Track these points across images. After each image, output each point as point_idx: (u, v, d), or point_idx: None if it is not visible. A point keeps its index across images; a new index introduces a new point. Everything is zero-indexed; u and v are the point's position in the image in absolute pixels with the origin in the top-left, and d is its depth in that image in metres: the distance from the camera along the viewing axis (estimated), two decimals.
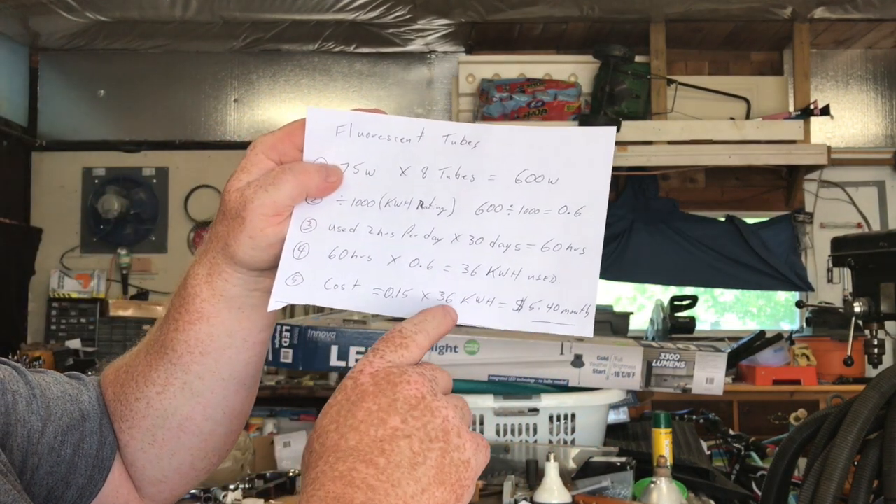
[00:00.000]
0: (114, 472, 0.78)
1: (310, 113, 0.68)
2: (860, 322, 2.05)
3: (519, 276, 0.65)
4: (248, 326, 0.74)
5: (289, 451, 2.08)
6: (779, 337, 4.38)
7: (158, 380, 0.75)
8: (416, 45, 5.37)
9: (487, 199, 0.66)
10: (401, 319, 0.66)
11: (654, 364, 1.90)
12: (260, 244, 0.67)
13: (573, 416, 1.91)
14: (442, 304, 0.66)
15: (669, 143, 4.83)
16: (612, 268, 5.14)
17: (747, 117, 4.98)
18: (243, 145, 4.95)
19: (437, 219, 0.67)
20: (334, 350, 1.83)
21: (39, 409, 0.73)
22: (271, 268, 0.68)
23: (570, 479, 1.76)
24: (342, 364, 1.84)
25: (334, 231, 0.67)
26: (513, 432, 1.91)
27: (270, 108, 5.49)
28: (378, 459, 0.55)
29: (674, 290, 5.33)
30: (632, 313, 5.02)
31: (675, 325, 4.82)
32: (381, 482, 0.54)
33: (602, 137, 0.66)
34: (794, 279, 5.08)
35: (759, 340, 4.30)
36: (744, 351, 4.29)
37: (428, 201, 0.67)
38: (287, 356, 1.86)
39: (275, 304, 0.67)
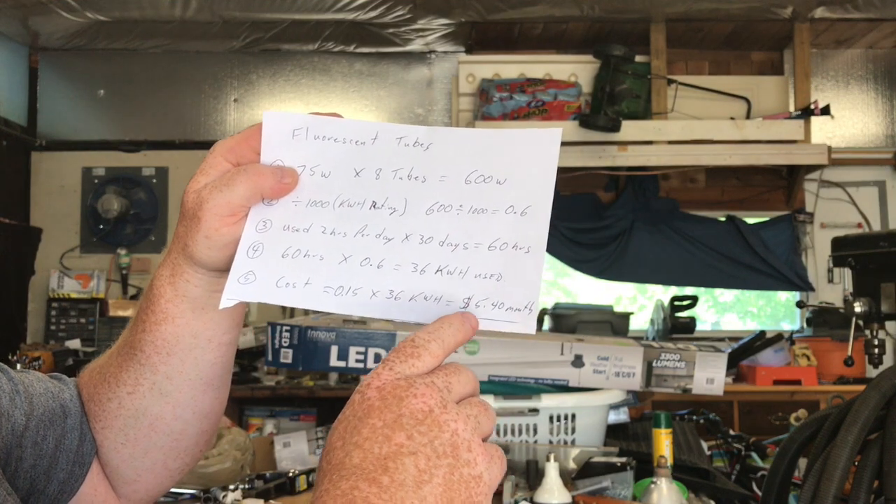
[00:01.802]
0: (93, 471, 0.79)
1: (266, 116, 0.70)
2: (861, 322, 2.04)
3: (466, 275, 0.66)
4: (212, 327, 0.75)
5: (288, 452, 2.08)
6: (779, 337, 4.37)
7: (129, 380, 0.77)
8: (416, 45, 5.37)
9: (438, 199, 0.68)
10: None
11: (654, 364, 1.89)
12: (216, 244, 0.68)
13: (573, 416, 1.91)
14: (461, 311, 0.65)
15: (670, 142, 4.83)
16: (612, 268, 5.14)
17: (748, 117, 4.98)
18: None
19: (389, 219, 0.68)
20: (334, 350, 1.83)
21: (23, 405, 0.74)
22: (230, 268, 0.69)
23: (570, 479, 1.76)
24: (342, 364, 1.83)
25: (288, 231, 0.69)
26: (513, 432, 1.90)
27: (270, 107, 5.48)
28: (381, 478, 0.53)
29: (674, 290, 5.33)
30: (632, 313, 5.03)
31: (676, 325, 4.82)
32: (383, 501, 0.53)
33: (548, 139, 0.68)
34: (795, 279, 5.08)
35: (760, 340, 4.30)
36: (744, 351, 4.28)
37: (380, 202, 0.68)
38: (287, 356, 1.86)
39: (226, 301, 0.68)
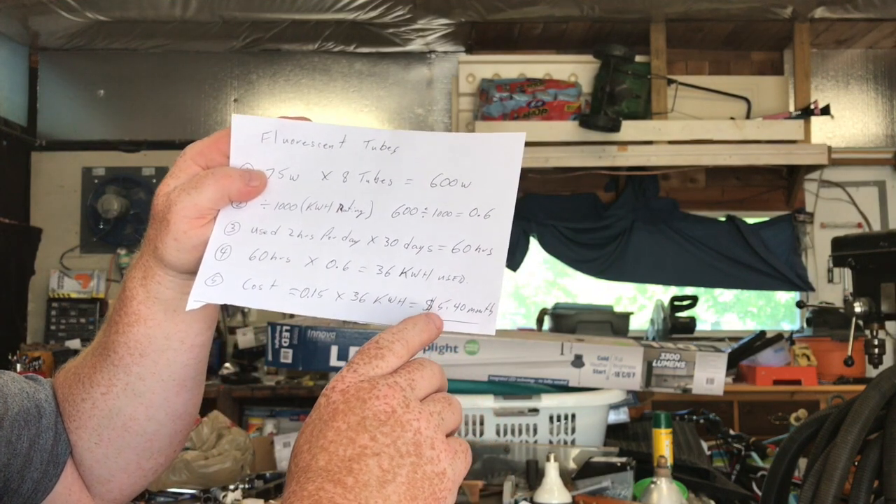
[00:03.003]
0: (67, 470, 0.80)
1: (235, 120, 0.71)
2: (861, 322, 2.04)
3: (430, 277, 0.67)
4: (184, 329, 0.75)
5: (288, 452, 2.08)
6: (779, 337, 4.38)
7: (102, 381, 0.77)
8: (416, 45, 5.37)
9: (403, 202, 0.68)
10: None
11: (654, 364, 1.89)
12: (184, 246, 0.69)
13: (573, 416, 1.91)
14: (426, 312, 0.66)
15: (670, 142, 4.83)
16: (612, 268, 5.14)
17: (748, 117, 4.98)
18: None
19: (356, 221, 0.69)
20: (334, 350, 1.84)
21: None
22: None
23: (570, 479, 1.76)
24: (342, 364, 1.83)
25: (256, 233, 0.69)
26: (513, 432, 1.90)
27: (270, 107, 5.49)
28: (346, 479, 0.55)
29: (674, 290, 5.33)
30: (632, 313, 5.03)
31: (676, 325, 4.82)
32: (348, 501, 0.54)
33: (512, 143, 0.68)
34: (795, 279, 5.08)
35: (760, 340, 4.30)
36: (744, 351, 4.29)
37: (347, 205, 0.69)
38: (287, 356, 1.86)
39: (193, 303, 0.69)
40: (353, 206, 0.69)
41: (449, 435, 0.60)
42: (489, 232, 0.67)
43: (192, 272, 0.70)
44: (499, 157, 0.68)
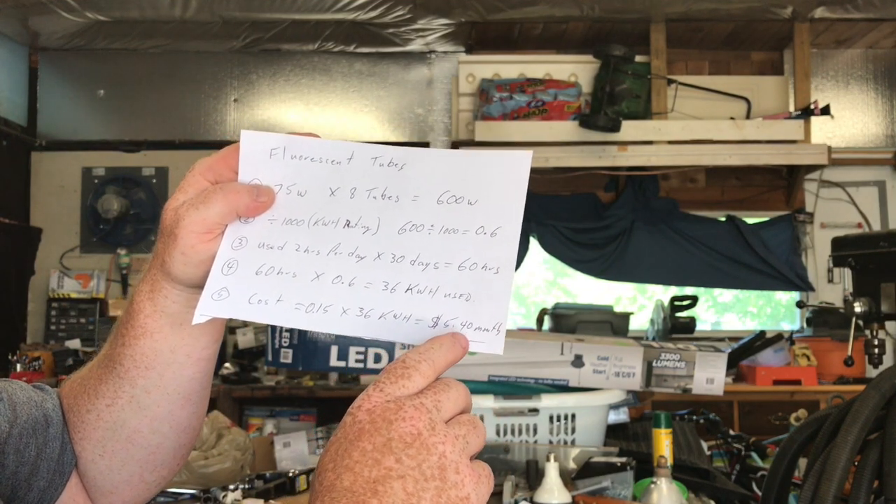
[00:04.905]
0: (72, 481, 0.80)
1: (244, 136, 0.71)
2: (861, 322, 2.04)
3: (436, 294, 0.67)
4: (190, 343, 0.76)
5: (288, 452, 2.08)
6: (779, 337, 4.37)
7: (108, 393, 0.77)
8: (416, 45, 5.37)
9: (410, 219, 0.69)
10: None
11: (654, 364, 1.89)
12: (192, 260, 0.69)
13: (573, 416, 1.91)
14: (452, 332, 0.66)
15: (670, 142, 4.83)
16: (612, 268, 5.14)
17: (747, 117, 4.98)
18: None
19: (362, 238, 0.69)
20: (334, 350, 1.83)
21: (6, 412, 0.75)
22: None
23: (570, 479, 1.76)
24: (342, 364, 1.84)
25: (263, 249, 0.70)
26: (513, 432, 1.90)
27: (270, 107, 5.49)
28: (370, 500, 0.55)
29: (674, 290, 5.33)
30: (632, 313, 5.03)
31: (676, 325, 4.82)
32: None
33: (519, 161, 0.68)
34: (795, 279, 5.08)
35: (760, 340, 4.30)
36: (744, 351, 4.28)
37: (354, 221, 0.69)
38: (287, 356, 1.86)
39: (199, 317, 0.69)
40: (359, 223, 0.69)
41: (472, 458, 0.60)
42: (496, 250, 0.67)
43: (199, 286, 0.70)
44: (506, 175, 0.68)
